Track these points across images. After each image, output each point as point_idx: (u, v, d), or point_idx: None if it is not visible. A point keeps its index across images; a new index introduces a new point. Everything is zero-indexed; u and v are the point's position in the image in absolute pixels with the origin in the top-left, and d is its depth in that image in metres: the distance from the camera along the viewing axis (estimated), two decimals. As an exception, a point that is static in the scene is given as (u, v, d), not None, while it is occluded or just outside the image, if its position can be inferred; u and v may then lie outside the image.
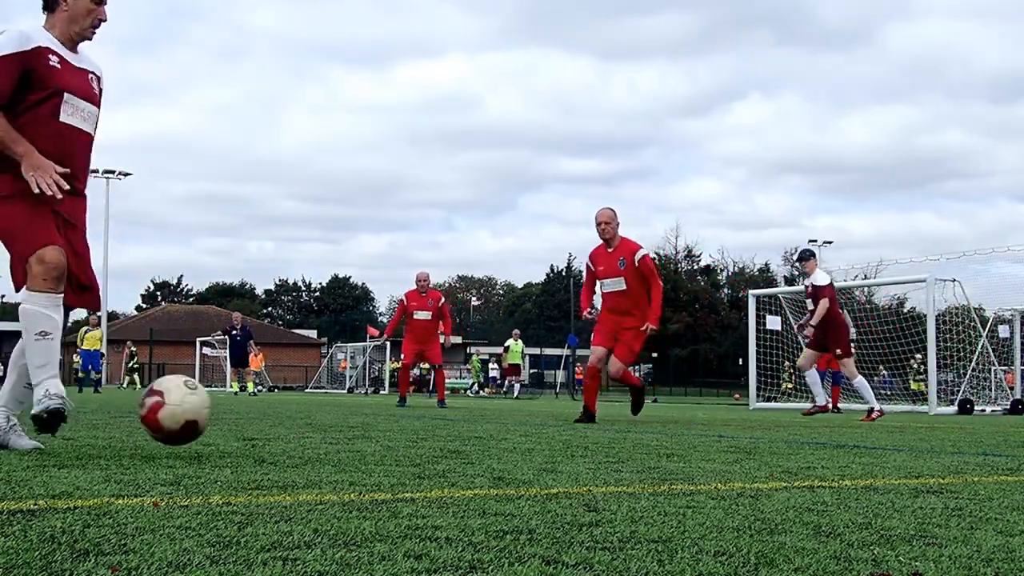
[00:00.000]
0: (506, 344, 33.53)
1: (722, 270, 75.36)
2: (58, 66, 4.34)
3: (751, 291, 22.40)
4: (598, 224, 9.57)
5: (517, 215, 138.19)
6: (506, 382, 35.55)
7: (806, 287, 12.21)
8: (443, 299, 15.14)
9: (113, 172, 46.72)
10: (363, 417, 9.31)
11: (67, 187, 4.20)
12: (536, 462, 4.30)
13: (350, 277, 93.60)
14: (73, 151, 4.39)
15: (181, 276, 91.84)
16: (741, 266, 75.28)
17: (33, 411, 4.18)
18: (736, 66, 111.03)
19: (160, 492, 2.96)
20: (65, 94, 4.37)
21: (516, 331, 34.74)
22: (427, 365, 17.61)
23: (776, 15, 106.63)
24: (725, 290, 74.31)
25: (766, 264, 73.72)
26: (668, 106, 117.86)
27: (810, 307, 12.08)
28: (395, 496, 2.99)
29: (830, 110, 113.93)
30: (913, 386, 24.13)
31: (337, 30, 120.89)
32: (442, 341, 14.76)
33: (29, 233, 4.20)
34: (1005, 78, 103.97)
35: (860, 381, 12.10)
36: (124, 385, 36.10)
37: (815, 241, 56.83)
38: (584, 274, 10.10)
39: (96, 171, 46.38)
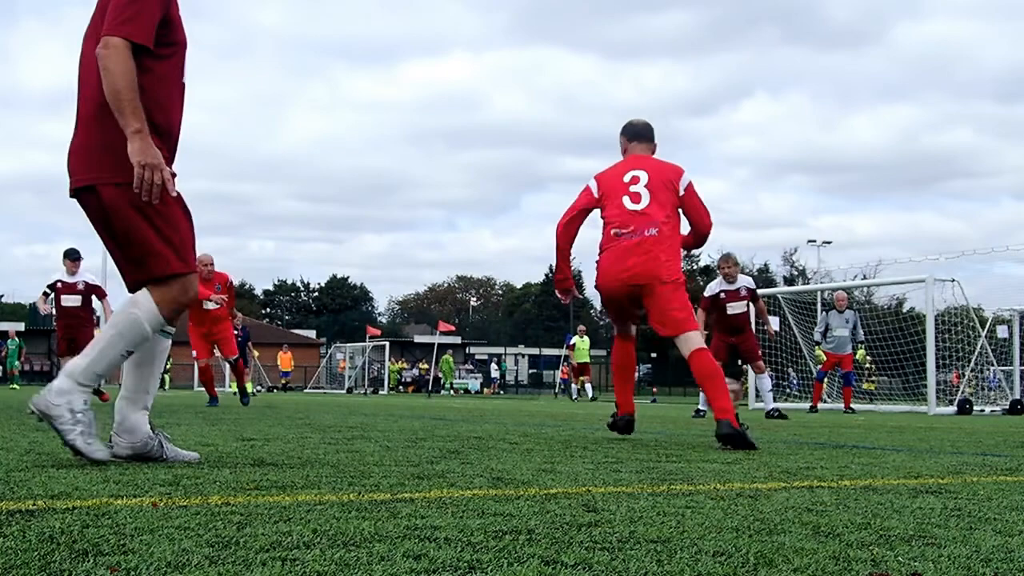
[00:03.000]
0: (571, 342, 28.06)
1: (721, 270, 75.31)
2: (180, 13, 3.88)
3: (750, 291, 22.35)
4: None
5: (520, 215, 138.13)
6: (574, 386, 29.30)
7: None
8: (231, 279, 13.15)
9: (112, 172, 46.66)
10: (362, 417, 9.31)
11: (175, 194, 3.80)
12: (535, 462, 4.30)
13: (348, 277, 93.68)
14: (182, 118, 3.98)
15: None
16: (741, 266, 75.34)
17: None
18: (742, 64, 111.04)
19: (159, 492, 2.96)
20: (183, 49, 3.90)
21: (581, 327, 28.68)
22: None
23: (783, 13, 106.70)
24: (725, 290, 74.22)
25: (765, 264, 73.65)
26: (673, 105, 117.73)
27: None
28: (394, 496, 2.99)
29: (836, 109, 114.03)
30: (865, 386, 23.90)
31: (341, 28, 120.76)
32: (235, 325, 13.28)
33: (188, 242, 3.87)
34: (1012, 77, 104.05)
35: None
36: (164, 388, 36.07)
37: (814, 241, 56.86)
38: None
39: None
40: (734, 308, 11.76)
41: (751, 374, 14.70)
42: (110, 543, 2.10)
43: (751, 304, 12.02)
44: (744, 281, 11.95)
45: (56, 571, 1.84)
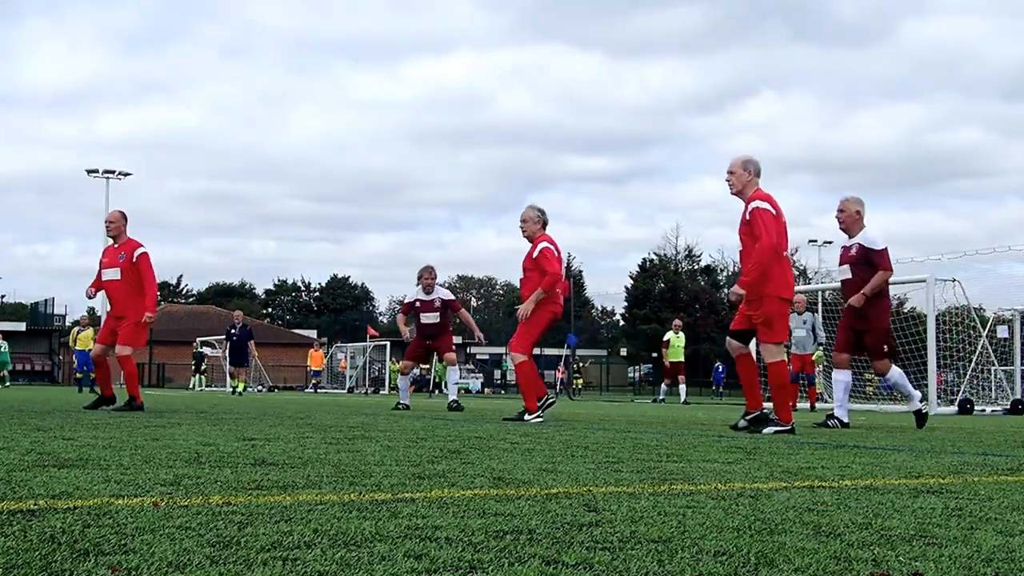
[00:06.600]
0: (665, 338, 24.66)
1: (722, 270, 75.37)
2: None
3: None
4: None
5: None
6: (663, 386, 26.39)
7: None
8: (140, 251, 9.94)
9: (113, 172, 46.76)
10: (363, 417, 9.31)
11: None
12: (536, 462, 4.30)
13: (349, 277, 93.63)
14: None
15: (181, 276, 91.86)
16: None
17: None
18: (748, 63, 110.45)
19: (160, 492, 2.96)
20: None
21: (677, 321, 25.18)
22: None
23: (790, 10, 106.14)
24: (725, 290, 74.28)
25: (766, 264, 73.59)
26: (678, 103, 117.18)
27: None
28: (395, 496, 2.99)
29: (842, 107, 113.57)
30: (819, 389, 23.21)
31: (344, 26, 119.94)
32: None
33: None
34: (1019, 75, 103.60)
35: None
36: (193, 387, 35.98)
37: (815, 241, 56.86)
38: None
39: (96, 171, 46.63)
40: (428, 318, 12.67)
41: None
42: (111, 543, 2.11)
43: (446, 314, 12.81)
44: (440, 293, 12.79)
45: (57, 571, 1.84)
